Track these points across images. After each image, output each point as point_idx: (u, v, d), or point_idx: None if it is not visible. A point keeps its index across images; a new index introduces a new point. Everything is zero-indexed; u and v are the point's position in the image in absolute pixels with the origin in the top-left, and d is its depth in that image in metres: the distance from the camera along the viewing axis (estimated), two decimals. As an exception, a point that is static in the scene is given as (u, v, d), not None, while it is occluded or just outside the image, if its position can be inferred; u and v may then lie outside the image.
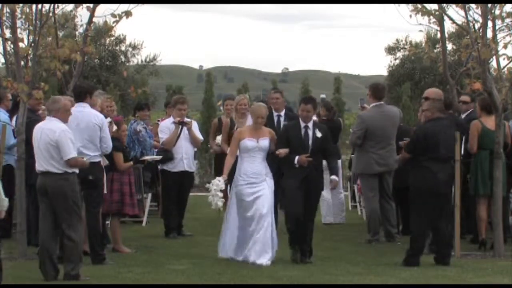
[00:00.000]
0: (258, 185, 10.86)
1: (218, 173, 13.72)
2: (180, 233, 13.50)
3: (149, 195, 15.22)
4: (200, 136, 13.82)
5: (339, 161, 14.93)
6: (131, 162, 11.90)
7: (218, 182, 10.88)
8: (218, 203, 10.89)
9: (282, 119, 13.26)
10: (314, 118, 11.37)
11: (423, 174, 10.66)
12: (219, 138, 13.92)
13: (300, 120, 10.95)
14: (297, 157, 10.69)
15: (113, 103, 13.29)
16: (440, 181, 10.67)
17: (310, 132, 10.85)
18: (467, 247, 11.96)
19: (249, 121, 11.84)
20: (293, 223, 10.76)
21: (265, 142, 10.94)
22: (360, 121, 13.13)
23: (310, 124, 10.91)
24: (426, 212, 10.67)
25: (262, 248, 10.70)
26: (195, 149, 14.56)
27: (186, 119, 13.51)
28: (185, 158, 13.44)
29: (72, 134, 9.80)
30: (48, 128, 9.71)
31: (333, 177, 11.08)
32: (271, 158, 11.09)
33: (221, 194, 10.88)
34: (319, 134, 10.84)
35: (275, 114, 13.29)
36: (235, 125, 13.09)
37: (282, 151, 10.75)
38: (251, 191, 10.84)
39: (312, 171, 10.76)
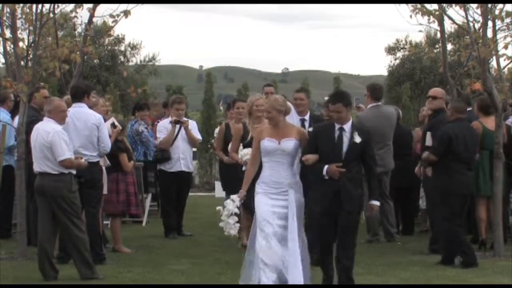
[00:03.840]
0: (278, 196, 8.66)
1: (224, 182, 12.72)
2: (180, 233, 13.50)
3: (149, 195, 15.24)
4: (198, 136, 13.79)
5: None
6: (132, 162, 11.91)
7: (231, 205, 8.70)
8: (230, 232, 8.80)
9: (307, 124, 11.12)
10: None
11: (447, 175, 10.65)
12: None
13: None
14: (326, 166, 8.59)
15: (107, 103, 13.19)
16: (463, 183, 10.72)
17: (346, 136, 8.66)
18: (467, 247, 11.96)
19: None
20: (322, 252, 8.84)
21: (288, 144, 8.67)
22: (358, 121, 13.11)
23: (347, 126, 8.68)
24: (452, 213, 10.66)
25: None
26: (194, 149, 14.51)
27: (183, 119, 13.49)
28: (182, 158, 13.41)
29: (68, 135, 9.81)
30: (42, 129, 9.74)
31: (373, 202, 8.85)
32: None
33: (233, 220, 8.74)
34: (358, 139, 8.63)
35: (298, 117, 11.16)
36: (249, 133, 11.02)
37: (310, 157, 8.65)
38: (270, 203, 8.66)
39: (345, 185, 8.60)
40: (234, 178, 10.47)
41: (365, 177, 8.86)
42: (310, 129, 10.45)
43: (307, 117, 11.24)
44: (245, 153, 10.76)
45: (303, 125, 10.96)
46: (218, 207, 8.92)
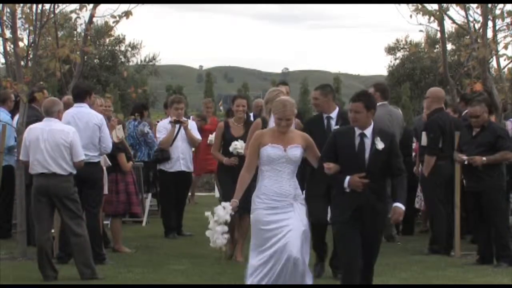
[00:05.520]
0: (282, 211, 7.67)
1: (224, 189, 11.34)
2: (180, 233, 13.51)
3: (149, 195, 15.24)
4: (198, 136, 13.78)
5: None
6: (131, 162, 11.91)
7: (221, 212, 7.75)
8: (217, 242, 7.80)
9: (333, 122, 9.71)
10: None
11: (503, 174, 10.88)
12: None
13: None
14: (347, 178, 7.59)
15: (110, 103, 13.16)
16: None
17: (368, 142, 7.66)
18: (467, 247, 11.94)
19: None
20: (349, 273, 7.70)
21: (295, 151, 7.73)
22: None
23: (368, 131, 7.69)
24: None
25: None
26: (194, 149, 14.49)
27: (182, 118, 13.49)
28: (181, 158, 13.39)
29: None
30: (58, 130, 9.67)
31: (397, 204, 7.69)
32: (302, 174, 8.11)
33: (222, 229, 7.76)
34: (380, 145, 7.61)
35: (324, 115, 9.76)
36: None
37: (333, 167, 7.63)
38: (272, 219, 7.66)
39: (369, 198, 7.61)
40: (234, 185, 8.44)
41: (391, 179, 7.82)
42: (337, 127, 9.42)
43: (333, 114, 9.72)
44: (235, 145, 10.87)
45: (328, 124, 9.68)
46: (207, 213, 7.90)
